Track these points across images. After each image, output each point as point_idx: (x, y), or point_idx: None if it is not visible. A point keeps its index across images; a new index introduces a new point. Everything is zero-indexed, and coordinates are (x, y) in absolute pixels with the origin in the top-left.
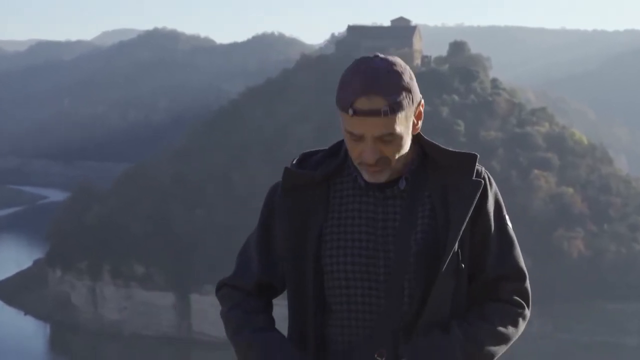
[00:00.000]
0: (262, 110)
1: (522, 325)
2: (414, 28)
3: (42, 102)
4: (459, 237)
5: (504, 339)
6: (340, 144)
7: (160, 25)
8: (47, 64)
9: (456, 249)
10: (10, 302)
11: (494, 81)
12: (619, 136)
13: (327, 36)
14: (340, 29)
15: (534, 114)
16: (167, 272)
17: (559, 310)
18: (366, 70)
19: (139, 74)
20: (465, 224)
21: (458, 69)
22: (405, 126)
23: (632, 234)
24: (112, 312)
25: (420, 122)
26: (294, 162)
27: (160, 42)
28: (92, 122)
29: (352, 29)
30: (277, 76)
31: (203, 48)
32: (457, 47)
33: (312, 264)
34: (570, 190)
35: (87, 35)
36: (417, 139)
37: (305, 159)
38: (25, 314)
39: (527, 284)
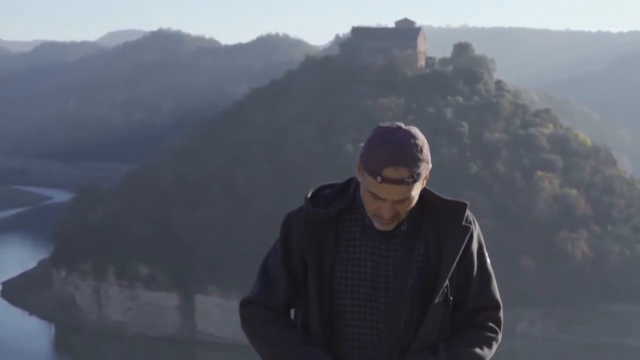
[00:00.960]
0: (265, 111)
1: (495, 346)
2: (418, 30)
3: (46, 102)
4: (450, 274)
5: (480, 358)
6: (349, 182)
7: (164, 27)
8: (51, 65)
9: (446, 284)
10: (14, 302)
11: (498, 83)
12: (623, 137)
13: (331, 37)
14: (344, 30)
15: (538, 115)
16: (171, 272)
17: (563, 312)
18: (392, 141)
19: (143, 74)
20: (455, 263)
21: (462, 70)
22: (419, 189)
23: (636, 236)
24: (116, 312)
25: (425, 181)
26: (308, 196)
27: (164, 43)
28: (96, 123)
29: (356, 31)
30: (281, 77)
31: (207, 49)
32: (462, 49)
33: (326, 291)
34: (574, 191)
35: (91, 36)
36: None
37: (318, 194)
38: (30, 315)
39: (501, 313)
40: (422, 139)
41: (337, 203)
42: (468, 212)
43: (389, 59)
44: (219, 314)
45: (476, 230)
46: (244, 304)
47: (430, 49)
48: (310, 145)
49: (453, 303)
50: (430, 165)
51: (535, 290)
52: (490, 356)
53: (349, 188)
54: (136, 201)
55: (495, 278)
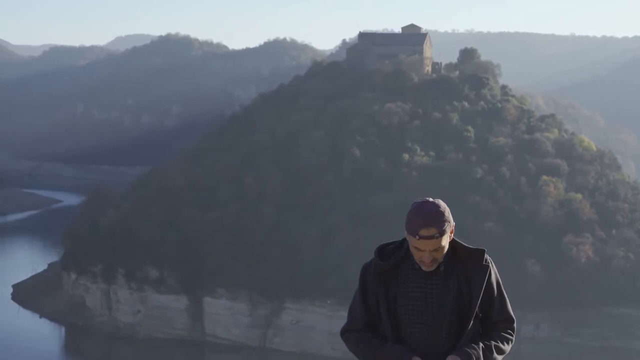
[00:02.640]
0: (273, 115)
1: (511, 345)
2: (425, 35)
3: (55, 106)
4: (479, 301)
5: (502, 352)
6: (404, 241)
7: (173, 31)
8: (60, 69)
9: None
10: (25, 305)
11: (504, 88)
12: (628, 142)
13: (338, 42)
14: (351, 34)
15: (543, 120)
16: (180, 275)
17: (568, 315)
18: (422, 211)
19: (152, 79)
20: (481, 293)
21: (468, 75)
22: (447, 241)
23: None
24: (126, 315)
25: (452, 234)
26: (376, 252)
27: (173, 47)
28: (105, 127)
29: (363, 36)
30: (289, 83)
31: (215, 54)
32: (467, 54)
33: (392, 316)
34: (579, 196)
35: (100, 41)
36: None
37: (382, 249)
38: (40, 317)
39: (515, 324)
40: (444, 207)
41: (395, 256)
42: (486, 255)
43: (395, 64)
44: (227, 317)
45: (493, 268)
46: (342, 333)
47: (436, 54)
48: (318, 149)
49: (481, 318)
50: (453, 223)
51: (540, 294)
52: (508, 351)
53: (404, 244)
54: (146, 205)
55: (501, 281)
